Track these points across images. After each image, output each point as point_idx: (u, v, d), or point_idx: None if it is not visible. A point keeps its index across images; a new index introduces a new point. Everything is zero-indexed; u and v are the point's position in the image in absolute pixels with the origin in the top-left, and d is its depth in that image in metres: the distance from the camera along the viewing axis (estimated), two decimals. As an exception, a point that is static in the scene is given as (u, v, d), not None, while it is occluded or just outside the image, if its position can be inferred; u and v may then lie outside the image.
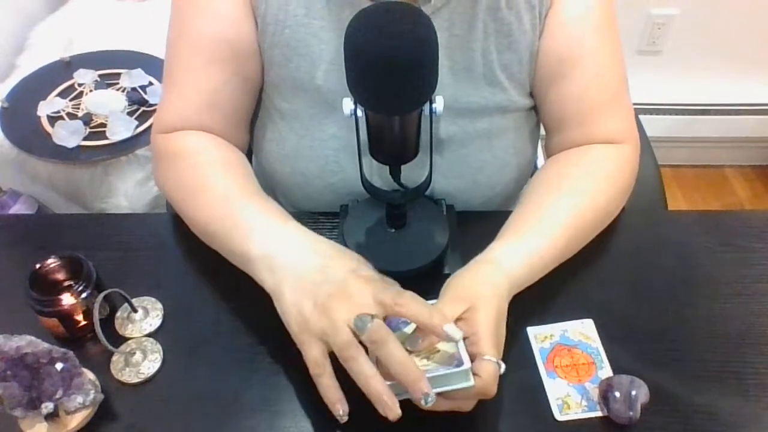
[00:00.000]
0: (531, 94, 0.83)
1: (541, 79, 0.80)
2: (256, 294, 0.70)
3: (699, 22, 1.83)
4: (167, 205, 0.85)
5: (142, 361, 0.69)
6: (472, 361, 0.58)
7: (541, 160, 1.09)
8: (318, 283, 0.61)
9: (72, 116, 1.38)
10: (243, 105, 0.82)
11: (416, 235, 0.74)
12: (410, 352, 0.59)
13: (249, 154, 0.89)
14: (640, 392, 0.63)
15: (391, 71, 0.57)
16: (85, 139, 1.34)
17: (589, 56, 0.77)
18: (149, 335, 0.72)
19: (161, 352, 0.70)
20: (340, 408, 0.58)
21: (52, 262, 0.71)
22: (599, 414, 0.64)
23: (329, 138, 0.79)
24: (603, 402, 0.64)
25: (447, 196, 0.82)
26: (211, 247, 0.74)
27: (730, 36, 1.86)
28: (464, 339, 0.60)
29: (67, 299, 0.68)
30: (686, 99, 1.97)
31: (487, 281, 0.65)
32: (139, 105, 1.41)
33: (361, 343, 0.58)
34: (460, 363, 0.58)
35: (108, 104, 1.40)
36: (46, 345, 0.62)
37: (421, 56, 0.57)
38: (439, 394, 0.57)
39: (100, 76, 1.48)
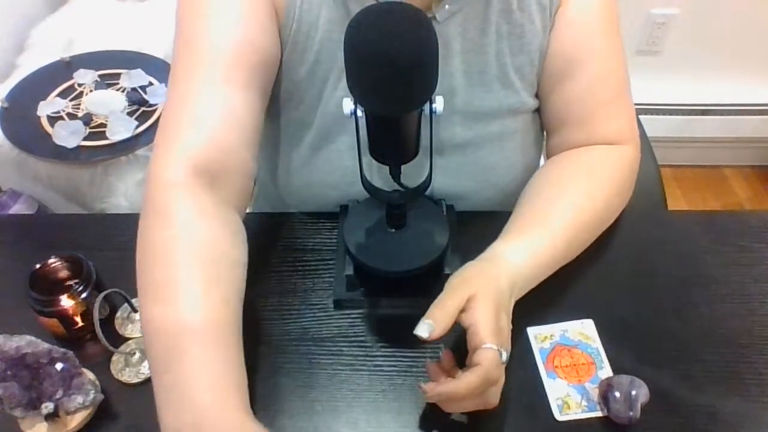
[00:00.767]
0: (537, 95, 0.83)
1: (546, 78, 0.80)
2: (256, 294, 0.70)
3: (699, 22, 1.83)
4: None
5: (142, 361, 0.69)
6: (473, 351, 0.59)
7: (542, 161, 1.09)
8: None
9: (72, 116, 1.38)
10: (259, 117, 0.73)
11: (416, 235, 0.74)
12: None
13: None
14: (640, 392, 0.63)
15: (390, 71, 0.57)
16: (85, 139, 1.34)
17: (595, 57, 0.78)
18: (149, 335, 0.71)
19: (161, 352, 0.70)
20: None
21: (52, 262, 0.71)
22: (599, 414, 0.64)
23: (347, 149, 0.78)
24: (603, 402, 0.64)
25: (457, 197, 0.82)
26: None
27: (730, 36, 1.86)
28: (465, 330, 0.61)
29: (67, 299, 0.68)
30: (686, 99, 1.97)
31: (486, 274, 0.66)
32: (139, 105, 1.41)
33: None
34: None
35: (108, 104, 1.40)
36: (46, 345, 0.62)
37: (420, 56, 0.57)
38: None
39: (100, 76, 1.48)
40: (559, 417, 0.65)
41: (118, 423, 0.65)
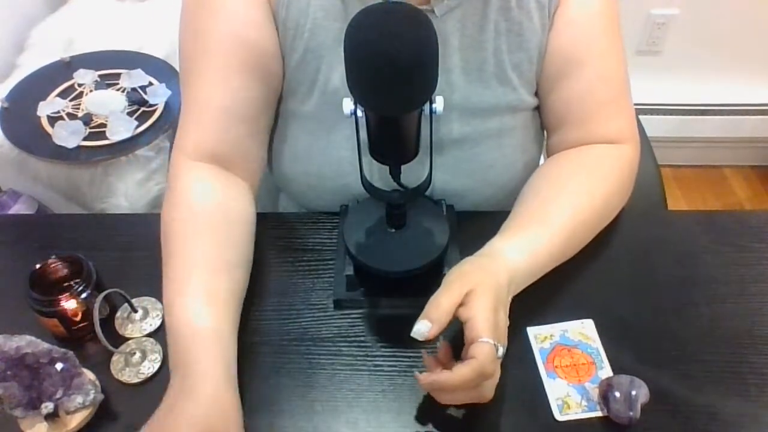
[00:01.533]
0: (535, 93, 0.83)
1: (547, 77, 0.80)
2: (256, 294, 0.70)
3: (699, 22, 1.83)
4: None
5: (142, 361, 0.69)
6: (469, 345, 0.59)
7: (541, 160, 1.09)
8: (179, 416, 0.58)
9: (72, 116, 1.38)
10: (264, 111, 0.78)
11: (416, 235, 0.74)
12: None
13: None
14: (640, 392, 0.63)
15: (391, 71, 0.57)
16: (85, 139, 1.34)
17: (595, 57, 0.78)
18: (149, 335, 0.72)
19: (161, 352, 0.70)
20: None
21: (52, 262, 0.71)
22: (599, 414, 0.64)
23: (343, 139, 0.79)
24: (603, 402, 0.64)
25: (455, 195, 0.82)
26: None
27: (730, 36, 1.86)
28: (463, 324, 0.61)
29: (67, 299, 0.68)
30: (686, 99, 1.97)
31: (486, 269, 0.66)
32: (139, 105, 1.41)
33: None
34: None
35: (108, 104, 1.40)
36: (46, 345, 0.62)
37: (421, 56, 0.57)
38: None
39: (100, 76, 1.48)
40: (559, 417, 0.65)
41: (118, 423, 0.65)
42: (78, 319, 0.70)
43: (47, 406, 0.61)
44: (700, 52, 1.90)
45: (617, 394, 0.63)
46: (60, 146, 1.33)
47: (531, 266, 0.70)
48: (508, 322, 0.64)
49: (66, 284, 0.72)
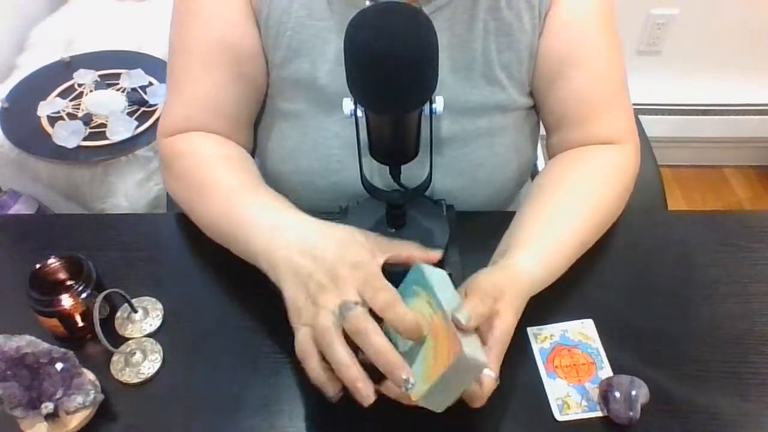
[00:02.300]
0: (531, 94, 0.83)
1: (541, 78, 0.80)
2: (257, 294, 0.70)
3: (699, 22, 1.83)
4: (167, 205, 0.85)
5: (142, 361, 0.69)
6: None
7: (541, 160, 1.09)
8: (309, 273, 0.61)
9: (72, 116, 1.39)
10: (245, 107, 0.83)
11: (416, 235, 0.74)
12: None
13: (252, 156, 0.89)
14: (640, 392, 0.63)
15: (391, 71, 0.57)
16: (85, 139, 1.34)
17: (590, 57, 0.78)
18: (149, 335, 0.72)
19: (161, 352, 0.70)
20: (329, 389, 0.58)
21: (52, 262, 0.71)
22: (599, 414, 0.64)
23: (332, 137, 0.79)
24: (603, 402, 0.64)
25: (447, 194, 0.82)
26: (221, 245, 0.74)
27: (730, 36, 1.86)
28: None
29: (67, 299, 0.68)
30: (686, 99, 1.97)
31: (514, 284, 0.65)
32: (139, 105, 1.41)
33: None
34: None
35: (108, 104, 1.40)
36: (46, 345, 0.62)
37: (421, 56, 0.57)
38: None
39: (100, 76, 1.48)
40: (559, 417, 0.65)
41: (118, 423, 0.65)
42: (78, 319, 0.70)
43: (47, 406, 0.61)
44: (700, 52, 1.90)
45: (617, 394, 0.63)
46: (60, 146, 1.33)
47: (546, 278, 0.70)
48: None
49: (66, 284, 0.72)
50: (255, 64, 0.79)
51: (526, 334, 0.71)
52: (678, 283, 0.77)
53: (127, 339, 0.71)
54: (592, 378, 0.67)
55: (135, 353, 0.69)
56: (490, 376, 0.58)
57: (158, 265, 0.79)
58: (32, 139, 1.35)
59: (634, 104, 0.84)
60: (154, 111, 1.41)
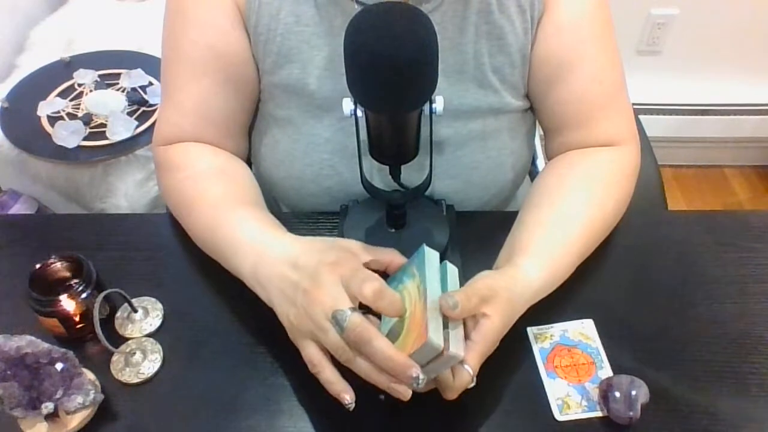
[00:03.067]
0: (527, 97, 0.83)
1: (538, 82, 0.80)
2: (257, 294, 0.70)
3: (699, 22, 1.83)
4: (167, 206, 0.85)
5: (142, 361, 0.69)
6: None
7: (541, 161, 1.09)
8: (295, 284, 0.61)
9: (72, 116, 1.38)
10: (236, 114, 0.83)
11: (416, 235, 0.74)
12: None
13: (248, 161, 0.89)
14: (640, 392, 0.63)
15: (391, 71, 0.57)
16: (85, 139, 1.34)
17: (587, 59, 0.77)
18: (149, 335, 0.72)
19: (161, 352, 0.70)
20: (346, 397, 0.58)
21: (52, 262, 0.71)
22: (599, 414, 0.64)
23: (323, 142, 0.79)
24: (603, 402, 0.64)
25: (442, 197, 0.82)
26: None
27: (730, 36, 1.86)
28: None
29: (67, 299, 0.68)
30: (686, 99, 1.97)
31: (512, 290, 0.64)
32: (139, 105, 1.41)
33: None
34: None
35: (108, 104, 1.40)
36: (46, 345, 0.62)
37: (421, 56, 0.57)
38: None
39: (100, 76, 1.48)
40: (559, 417, 0.65)
41: (118, 423, 0.65)
42: (78, 319, 0.70)
43: (47, 406, 0.61)
44: (700, 52, 1.90)
45: (617, 394, 0.63)
46: (60, 146, 1.33)
47: (550, 285, 0.70)
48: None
49: (66, 284, 0.72)
50: (245, 70, 0.79)
51: (526, 334, 0.71)
52: (678, 283, 0.77)
53: (127, 339, 0.71)
54: (592, 378, 0.67)
55: (135, 353, 0.69)
56: (467, 371, 0.58)
57: (158, 265, 0.79)
58: (32, 139, 1.35)
59: (634, 104, 0.84)
60: (154, 111, 1.41)
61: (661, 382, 0.66)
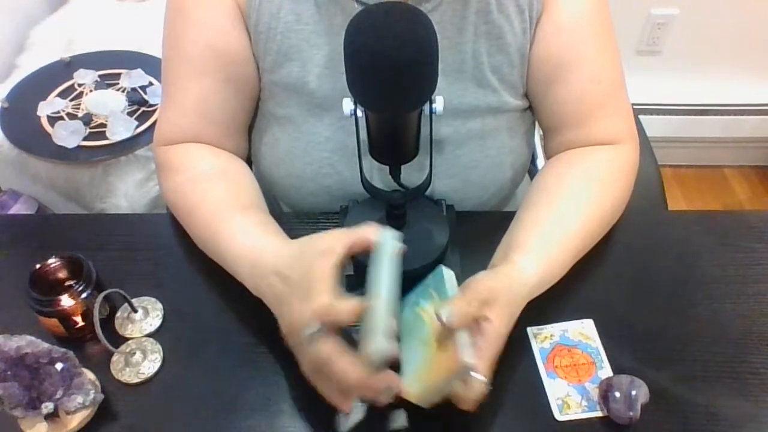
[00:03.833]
0: (526, 96, 0.83)
1: (537, 82, 0.80)
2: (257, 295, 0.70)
3: (699, 22, 1.83)
4: (167, 205, 0.85)
5: (142, 361, 0.69)
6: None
7: (541, 160, 1.09)
8: (287, 296, 0.61)
9: (72, 116, 1.38)
10: (237, 114, 0.83)
11: (416, 235, 0.74)
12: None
13: (248, 160, 0.90)
14: (640, 392, 0.63)
15: (391, 71, 0.57)
16: (85, 139, 1.34)
17: (586, 59, 0.78)
18: (149, 335, 0.72)
19: (161, 352, 0.70)
20: (346, 406, 0.59)
21: (52, 262, 0.71)
22: (599, 414, 0.64)
23: (323, 141, 0.79)
24: (603, 402, 0.64)
25: (441, 196, 0.82)
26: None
27: (730, 36, 1.86)
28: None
29: (67, 299, 0.68)
30: (686, 99, 1.97)
31: (511, 290, 0.64)
32: (139, 105, 1.41)
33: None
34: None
35: (108, 104, 1.40)
36: (46, 345, 0.62)
37: (421, 56, 0.57)
38: None
39: (100, 76, 1.48)
40: (559, 417, 0.65)
41: (118, 423, 0.65)
42: (78, 319, 0.70)
43: (47, 406, 0.61)
44: (700, 52, 1.90)
45: (617, 394, 0.63)
46: (60, 146, 1.33)
47: (546, 282, 0.70)
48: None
49: (66, 284, 0.72)
50: (245, 69, 0.79)
51: (526, 334, 0.71)
52: (678, 283, 0.77)
53: (127, 339, 0.71)
54: (592, 378, 0.67)
55: (135, 353, 0.69)
56: (480, 380, 0.57)
57: (158, 265, 0.79)
58: (32, 139, 1.35)
59: (634, 104, 0.84)
60: (154, 111, 1.41)
61: (661, 382, 0.66)
